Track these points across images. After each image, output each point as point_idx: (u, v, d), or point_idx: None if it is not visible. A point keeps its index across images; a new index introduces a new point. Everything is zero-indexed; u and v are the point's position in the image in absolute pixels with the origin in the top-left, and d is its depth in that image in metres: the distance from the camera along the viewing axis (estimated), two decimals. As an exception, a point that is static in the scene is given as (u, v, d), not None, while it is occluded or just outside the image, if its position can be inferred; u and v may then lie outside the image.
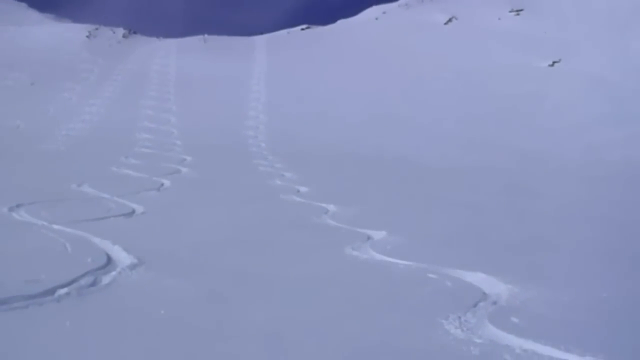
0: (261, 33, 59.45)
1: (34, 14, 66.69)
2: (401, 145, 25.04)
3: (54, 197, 11.20)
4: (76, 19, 67.55)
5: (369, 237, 8.52)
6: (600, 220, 11.21)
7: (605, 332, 4.93)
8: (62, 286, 5.28)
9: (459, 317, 5.06)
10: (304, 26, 61.08)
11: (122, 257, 6.57)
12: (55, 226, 8.20)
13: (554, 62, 39.32)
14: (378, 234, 8.71)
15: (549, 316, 5.21)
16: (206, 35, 55.90)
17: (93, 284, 5.55)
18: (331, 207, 11.27)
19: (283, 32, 59.70)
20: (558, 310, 5.37)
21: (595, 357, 4.29)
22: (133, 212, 10.04)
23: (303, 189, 14.02)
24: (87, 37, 53.85)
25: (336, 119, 30.91)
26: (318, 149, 23.87)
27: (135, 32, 58.82)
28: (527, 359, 4.28)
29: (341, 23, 60.16)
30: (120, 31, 57.42)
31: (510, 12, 50.19)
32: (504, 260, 7.28)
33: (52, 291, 5.14)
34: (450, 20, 50.67)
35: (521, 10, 50.01)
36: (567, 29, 44.00)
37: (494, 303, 5.54)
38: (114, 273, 5.96)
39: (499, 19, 49.01)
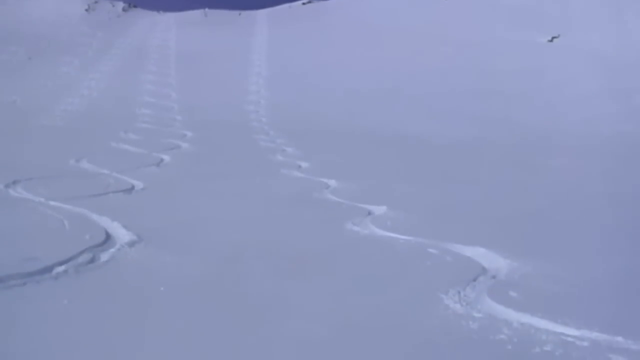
0: (262, 7, 59.29)
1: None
2: (401, 121, 24.99)
3: (51, 173, 11.13)
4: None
5: (369, 213, 8.50)
6: (599, 194, 11.20)
7: (602, 306, 4.92)
8: (60, 264, 5.23)
9: (459, 292, 5.06)
10: (305, 0, 60.76)
11: (121, 234, 6.52)
12: (52, 203, 8.12)
13: (553, 38, 39.23)
14: (378, 209, 8.70)
15: (547, 290, 5.22)
16: (207, 9, 55.65)
17: (91, 261, 5.50)
18: (332, 183, 11.25)
19: (285, 6, 59.39)
20: (556, 285, 5.37)
21: (591, 330, 4.29)
22: (132, 188, 9.99)
23: (304, 164, 13.99)
24: (86, 10, 53.56)
25: (337, 94, 30.84)
26: (319, 124, 23.82)
27: (135, 6, 58.51)
28: (525, 333, 4.27)
29: (342, -3, 59.89)
30: (120, 5, 57.11)
31: (511, -14, 49.90)
32: (503, 235, 7.27)
33: (49, 269, 5.10)
34: (450, -6, 50.40)
35: (521, -16, 49.74)
36: (566, 5, 43.84)
37: (493, 277, 5.54)
38: (112, 250, 5.91)
39: (499, -7, 48.77)
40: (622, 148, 18.95)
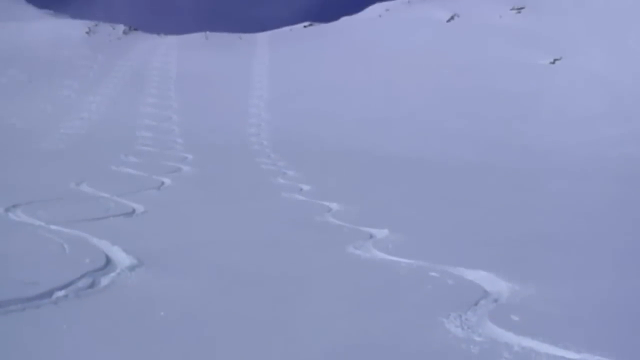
0: (263, 30, 59.50)
1: (32, 10, 66.45)
2: (402, 143, 25.04)
3: (51, 196, 11.12)
4: (75, 15, 67.37)
5: (371, 236, 8.53)
6: (602, 217, 11.20)
7: (604, 330, 4.93)
8: (60, 288, 5.24)
9: (460, 316, 5.07)
10: (306, 23, 61.02)
11: (122, 258, 6.53)
12: (52, 226, 8.13)
13: (554, 60, 39.35)
14: (380, 232, 8.72)
15: (549, 314, 5.22)
16: (208, 32, 55.83)
17: (91, 285, 5.51)
18: (334, 206, 11.27)
19: (285, 29, 59.65)
20: (558, 308, 5.38)
21: (593, 354, 4.30)
22: (133, 211, 10.01)
23: (305, 187, 14.01)
24: (87, 33, 53.75)
25: (339, 117, 30.92)
26: (321, 147, 23.87)
27: (135, 29, 58.72)
28: (526, 357, 4.28)
29: (344, 20, 60.11)
30: (121, 27, 57.31)
31: (512, 9, 50.19)
32: (505, 258, 7.27)
33: (49, 293, 5.10)
34: (452, 17, 50.66)
35: (522, 8, 50.03)
36: (567, 27, 44.02)
37: (495, 301, 5.55)
38: (112, 274, 5.92)
39: (500, 16, 49.00)
40: (626, 170, 18.95)
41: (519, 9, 49.93)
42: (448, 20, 50.40)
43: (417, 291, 5.87)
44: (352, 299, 5.59)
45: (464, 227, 9.66)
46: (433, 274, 6.41)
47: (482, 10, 50.55)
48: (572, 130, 26.93)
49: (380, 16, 56.47)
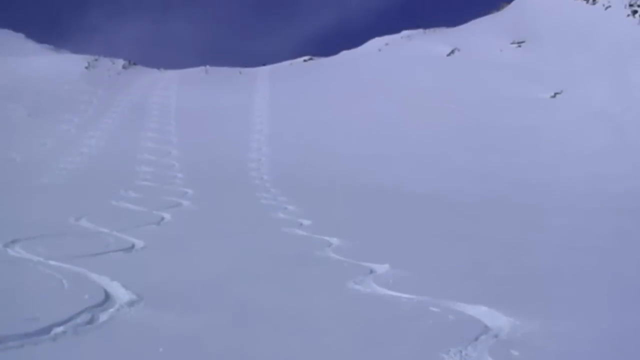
0: (263, 64, 59.65)
1: (32, 45, 66.62)
2: (403, 178, 25.08)
3: (51, 232, 11.13)
4: (75, 49, 67.47)
5: (371, 271, 8.53)
6: (603, 252, 11.21)
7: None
8: (59, 324, 5.26)
9: (460, 351, 5.10)
10: (306, 57, 61.28)
11: (121, 294, 6.55)
12: (51, 262, 8.13)
13: (555, 94, 39.50)
14: (381, 268, 8.72)
15: (549, 349, 5.25)
16: (208, 67, 56.06)
17: (90, 321, 5.53)
18: (334, 241, 11.27)
19: (285, 64, 59.85)
20: (558, 344, 5.40)
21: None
22: (132, 246, 10.01)
23: (306, 222, 14.01)
24: (86, 67, 53.93)
25: (339, 151, 30.96)
26: (321, 182, 23.90)
27: (135, 63, 58.93)
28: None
29: (344, 54, 60.38)
30: (120, 62, 57.47)
31: (512, 43, 50.44)
32: (506, 293, 7.30)
33: (48, 329, 5.12)
34: (452, 51, 50.90)
35: (522, 42, 50.27)
36: (568, 61, 44.21)
37: (495, 336, 5.57)
38: (111, 310, 5.93)
39: (501, 50, 49.22)
40: (626, 205, 18.97)
41: (520, 43, 50.20)
42: (448, 55, 50.65)
43: (417, 326, 5.89)
44: (352, 334, 5.61)
45: (465, 262, 9.68)
46: (434, 309, 6.43)
47: (482, 44, 50.80)
48: (573, 164, 26.98)
49: (380, 50, 56.74)
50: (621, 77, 39.54)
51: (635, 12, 49.49)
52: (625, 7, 50.25)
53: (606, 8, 51.95)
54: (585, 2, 54.39)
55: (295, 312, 6.31)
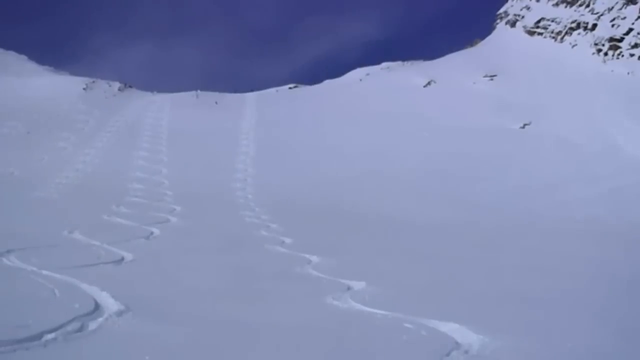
0: (251, 90, 59.78)
1: (33, 66, 66.45)
2: (381, 201, 25.11)
3: (44, 243, 11.04)
4: (74, 71, 67.29)
5: (349, 288, 8.51)
6: (569, 274, 11.24)
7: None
8: (49, 331, 5.20)
9: (432, 367, 5.06)
10: (292, 85, 61.59)
11: (110, 304, 6.49)
12: (44, 272, 8.06)
13: (524, 125, 39.87)
14: (358, 285, 8.69)
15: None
16: (199, 91, 56.03)
17: (80, 329, 5.47)
18: (314, 258, 11.24)
19: (272, 90, 60.04)
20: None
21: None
22: (122, 259, 9.94)
23: (287, 240, 13.97)
24: (84, 89, 53.81)
25: (321, 174, 30.98)
26: (303, 202, 23.89)
27: (130, 86, 58.92)
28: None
29: (327, 83, 60.74)
30: (116, 84, 57.43)
31: (485, 77, 50.91)
32: (476, 311, 7.28)
33: (39, 336, 5.07)
34: (429, 83, 51.28)
35: (495, 75, 50.76)
36: (537, 94, 44.72)
37: (466, 352, 5.57)
38: (100, 319, 5.88)
39: (474, 83, 49.66)
40: (591, 230, 19.09)
41: (492, 76, 50.65)
42: (425, 86, 51.00)
43: (391, 342, 5.86)
44: (329, 348, 5.58)
45: (438, 281, 9.68)
46: (407, 325, 6.40)
47: (457, 76, 51.21)
48: (541, 191, 27.16)
49: (361, 80, 57.06)
50: (586, 110, 39.98)
51: (599, 50, 50.11)
52: (590, 46, 50.93)
53: (573, 46, 52.69)
54: (553, 40, 55.12)
55: (275, 327, 6.26)
